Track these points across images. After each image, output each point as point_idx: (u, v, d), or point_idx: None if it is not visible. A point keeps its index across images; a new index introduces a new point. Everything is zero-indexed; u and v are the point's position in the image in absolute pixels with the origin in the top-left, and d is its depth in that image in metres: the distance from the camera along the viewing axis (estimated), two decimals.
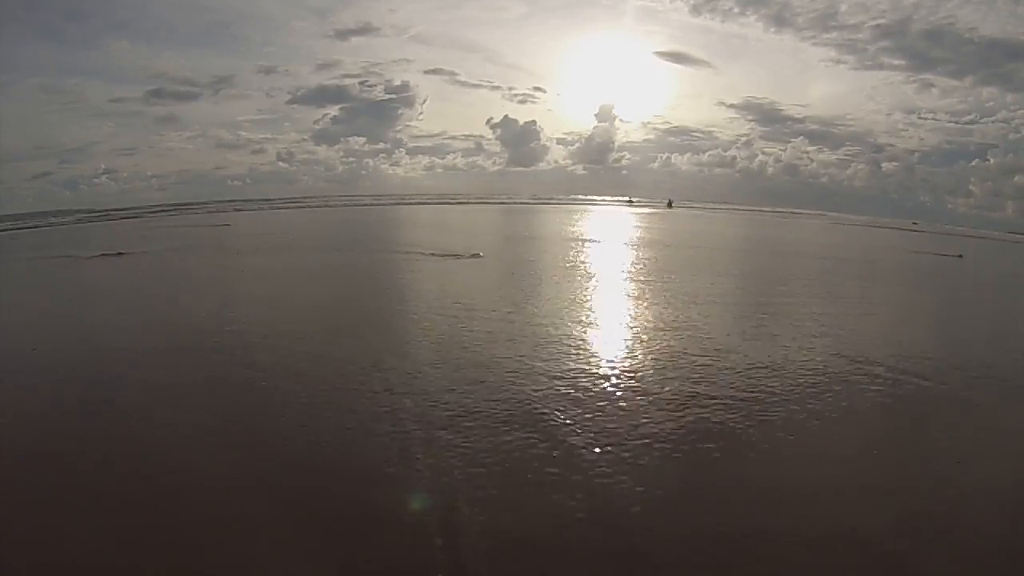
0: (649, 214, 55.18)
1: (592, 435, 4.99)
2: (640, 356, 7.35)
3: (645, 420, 5.33)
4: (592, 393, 5.97)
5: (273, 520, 3.83)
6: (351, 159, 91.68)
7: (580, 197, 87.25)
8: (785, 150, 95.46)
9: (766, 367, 6.96)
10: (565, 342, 7.86)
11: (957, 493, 4.37)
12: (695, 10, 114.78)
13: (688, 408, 5.65)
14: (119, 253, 18.26)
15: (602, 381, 6.34)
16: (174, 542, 3.63)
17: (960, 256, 26.63)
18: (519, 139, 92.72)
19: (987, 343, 9.52)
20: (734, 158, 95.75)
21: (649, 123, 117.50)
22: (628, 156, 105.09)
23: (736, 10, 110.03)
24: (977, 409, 6.16)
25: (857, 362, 7.36)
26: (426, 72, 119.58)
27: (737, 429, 5.23)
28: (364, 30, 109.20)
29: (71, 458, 4.72)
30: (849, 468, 4.69)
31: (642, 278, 14.00)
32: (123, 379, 6.56)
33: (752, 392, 6.13)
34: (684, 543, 3.65)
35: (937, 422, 5.81)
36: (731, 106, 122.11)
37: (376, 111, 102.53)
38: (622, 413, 5.48)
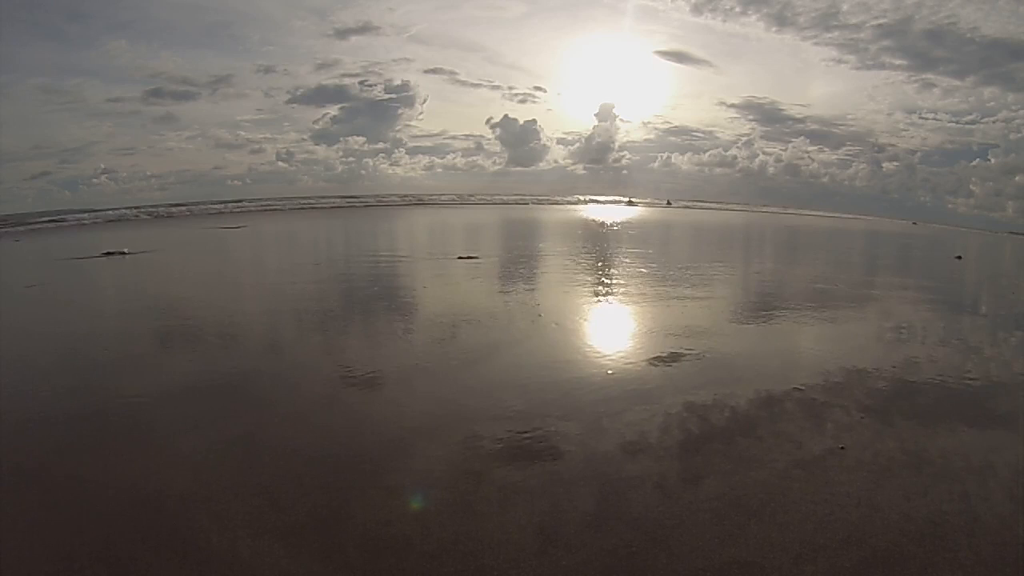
0: (648, 213, 55.14)
1: None
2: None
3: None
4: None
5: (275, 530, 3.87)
6: (351, 159, 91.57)
7: (580, 197, 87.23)
8: (786, 150, 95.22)
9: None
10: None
11: None
12: (696, 9, 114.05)
13: None
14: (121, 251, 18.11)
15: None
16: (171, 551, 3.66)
17: (959, 258, 26.58)
18: (519, 139, 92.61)
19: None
20: (735, 158, 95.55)
21: (649, 123, 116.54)
22: (628, 156, 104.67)
23: (737, 9, 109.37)
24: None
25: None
26: (426, 72, 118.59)
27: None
28: (364, 29, 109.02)
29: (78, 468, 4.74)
30: None
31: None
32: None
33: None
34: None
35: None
36: (732, 106, 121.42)
37: (376, 111, 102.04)
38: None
